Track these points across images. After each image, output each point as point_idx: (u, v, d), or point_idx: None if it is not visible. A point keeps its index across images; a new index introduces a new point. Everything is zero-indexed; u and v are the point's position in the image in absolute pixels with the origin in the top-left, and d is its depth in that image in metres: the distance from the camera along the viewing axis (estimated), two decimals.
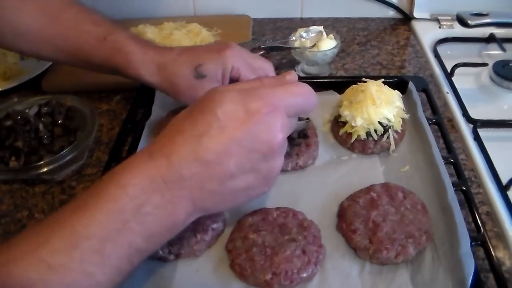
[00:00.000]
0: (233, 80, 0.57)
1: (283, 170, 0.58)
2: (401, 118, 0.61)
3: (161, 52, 0.57)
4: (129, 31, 0.61)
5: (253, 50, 0.82)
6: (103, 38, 0.57)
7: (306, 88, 0.43)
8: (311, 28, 0.77)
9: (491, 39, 0.86)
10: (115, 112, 0.73)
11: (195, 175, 0.38)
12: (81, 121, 0.66)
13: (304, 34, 0.76)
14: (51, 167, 0.60)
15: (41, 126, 0.64)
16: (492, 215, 0.54)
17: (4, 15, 0.56)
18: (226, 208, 0.48)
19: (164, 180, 0.37)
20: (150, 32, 0.85)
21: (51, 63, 0.80)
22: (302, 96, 0.42)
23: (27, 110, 0.67)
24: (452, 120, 0.68)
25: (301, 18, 0.99)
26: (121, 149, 0.63)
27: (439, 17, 0.92)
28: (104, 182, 0.38)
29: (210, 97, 0.40)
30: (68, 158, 0.61)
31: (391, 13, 0.97)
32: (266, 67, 0.59)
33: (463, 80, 0.77)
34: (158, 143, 0.39)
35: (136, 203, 0.36)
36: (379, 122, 0.58)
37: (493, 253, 0.46)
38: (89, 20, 0.58)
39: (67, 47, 0.58)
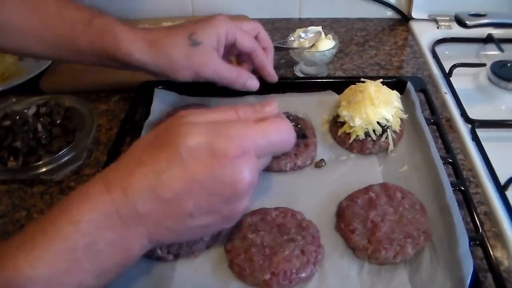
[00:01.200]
0: (227, 46, 0.57)
1: (282, 171, 0.58)
2: (400, 118, 0.61)
3: (150, 30, 0.56)
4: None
5: None
6: (89, 22, 0.54)
7: (283, 127, 0.41)
8: (310, 28, 0.77)
9: (489, 39, 0.86)
10: (113, 113, 0.73)
11: (151, 211, 0.36)
12: (80, 121, 0.66)
13: (302, 35, 0.76)
14: (49, 167, 0.60)
15: (39, 126, 0.64)
16: (490, 215, 0.54)
17: None
18: (183, 241, 0.47)
19: (119, 215, 0.35)
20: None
21: (49, 63, 0.80)
22: (278, 137, 0.40)
23: (25, 110, 0.66)
24: (450, 120, 0.68)
25: (299, 19, 0.99)
26: (119, 150, 0.62)
27: (437, 18, 0.92)
28: (53, 215, 0.35)
29: (177, 129, 0.37)
30: (66, 158, 0.61)
31: (389, 13, 0.97)
32: (255, 26, 0.61)
33: (461, 80, 0.77)
34: (115, 172, 0.37)
35: (89, 240, 0.34)
36: (378, 122, 0.59)
37: (491, 252, 0.47)
38: (72, 6, 0.56)
39: (52, 36, 0.55)
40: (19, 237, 0.35)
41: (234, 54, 0.65)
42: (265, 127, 0.39)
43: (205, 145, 0.36)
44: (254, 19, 0.62)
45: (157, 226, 0.37)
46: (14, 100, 0.70)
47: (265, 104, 0.42)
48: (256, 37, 0.61)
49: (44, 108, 0.67)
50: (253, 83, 0.61)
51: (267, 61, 0.62)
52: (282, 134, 0.41)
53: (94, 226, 0.35)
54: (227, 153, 0.36)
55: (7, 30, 0.55)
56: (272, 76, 0.64)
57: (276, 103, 0.43)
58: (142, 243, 0.37)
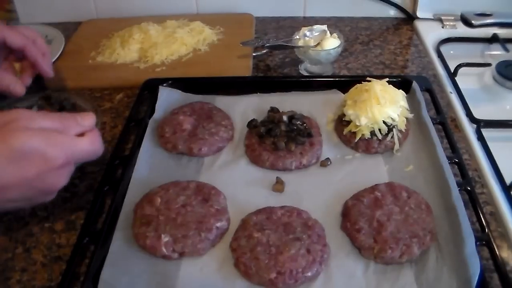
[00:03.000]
0: None
1: (287, 169, 0.58)
2: (405, 118, 0.61)
3: None
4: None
5: (257, 48, 0.82)
6: None
7: (96, 141, 0.49)
8: (315, 27, 0.76)
9: (494, 39, 0.86)
10: (117, 110, 0.73)
11: None
12: None
13: (307, 33, 0.76)
14: None
15: None
16: (496, 215, 0.54)
17: None
18: None
19: None
20: (153, 30, 0.85)
21: (53, 60, 0.80)
22: (92, 149, 0.48)
23: (29, 107, 0.66)
24: (455, 120, 0.68)
25: (304, 17, 0.99)
26: (124, 147, 0.62)
27: (442, 17, 0.92)
28: None
29: (14, 132, 0.42)
30: None
31: (394, 12, 0.97)
32: (32, 32, 0.63)
33: (466, 80, 0.77)
34: None
35: None
36: (384, 122, 0.58)
37: (497, 253, 0.46)
38: None
39: None
40: None
41: (13, 58, 0.65)
42: (86, 142, 0.47)
43: (38, 151, 0.43)
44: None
45: None
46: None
47: (85, 118, 0.49)
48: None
49: (48, 105, 0.67)
50: (16, 88, 0.63)
51: (39, 57, 0.64)
52: (95, 149, 0.49)
53: None
54: (56, 162, 0.44)
55: None
56: (46, 72, 0.66)
57: (93, 117, 0.50)
58: None
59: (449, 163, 0.55)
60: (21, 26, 0.65)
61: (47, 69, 0.66)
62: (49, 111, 0.63)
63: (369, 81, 0.62)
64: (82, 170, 0.62)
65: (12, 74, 0.65)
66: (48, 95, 0.69)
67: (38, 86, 0.76)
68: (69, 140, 0.46)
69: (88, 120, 0.49)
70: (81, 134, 0.48)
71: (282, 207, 0.52)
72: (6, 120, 0.43)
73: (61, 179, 0.46)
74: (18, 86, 0.63)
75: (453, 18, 0.91)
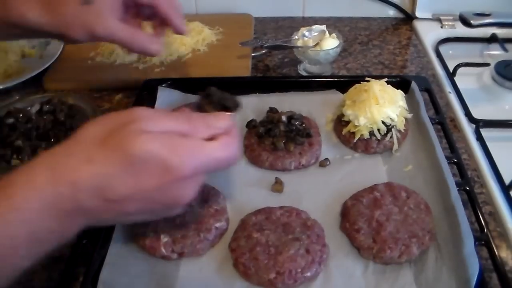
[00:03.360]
0: (128, 6, 0.54)
1: (286, 169, 0.58)
2: (404, 118, 0.61)
3: None
4: None
5: (256, 48, 0.82)
6: None
7: (231, 147, 0.41)
8: (314, 27, 0.76)
9: (493, 39, 0.86)
10: (116, 111, 0.72)
11: (95, 208, 0.37)
12: (83, 119, 0.66)
13: (306, 33, 0.76)
14: None
15: (43, 124, 0.64)
16: (495, 215, 0.54)
17: None
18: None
19: (63, 208, 0.35)
20: (151, 30, 0.84)
21: (53, 60, 0.80)
22: (226, 158, 0.40)
23: (28, 108, 0.67)
24: (454, 120, 0.68)
25: (303, 17, 0.99)
26: None
27: (441, 17, 0.92)
28: None
29: (132, 136, 0.36)
30: None
31: (392, 12, 0.97)
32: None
33: (465, 80, 0.77)
34: (63, 164, 0.36)
35: (30, 229, 0.34)
36: (382, 122, 0.58)
37: (496, 252, 0.46)
38: None
39: None
40: None
41: (142, 16, 0.59)
42: (217, 149, 0.39)
43: (159, 160, 0.36)
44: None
45: (96, 218, 0.38)
46: (17, 97, 0.70)
47: (220, 118, 0.42)
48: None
49: (48, 106, 0.67)
50: (153, 47, 0.55)
51: (172, 12, 0.56)
52: (229, 157, 0.41)
53: (38, 215, 0.34)
54: (179, 173, 0.37)
55: None
56: (180, 29, 0.58)
57: (229, 118, 0.43)
58: (79, 229, 0.38)
59: (448, 163, 0.55)
60: None
61: (181, 26, 0.57)
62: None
63: (368, 81, 0.62)
64: None
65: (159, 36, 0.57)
66: (47, 95, 0.69)
67: (37, 87, 0.76)
68: (196, 146, 0.39)
69: (222, 120, 0.42)
70: (212, 138, 0.40)
71: (281, 207, 0.52)
72: (124, 121, 0.38)
73: (187, 192, 0.39)
74: (154, 44, 0.55)
75: (452, 18, 0.91)
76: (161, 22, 0.57)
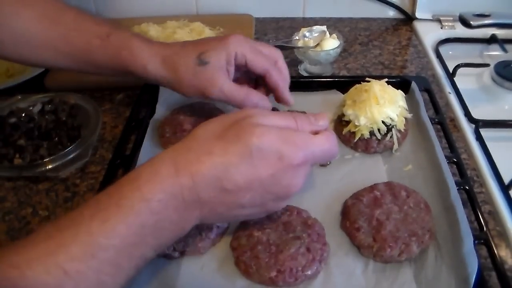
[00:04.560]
0: (240, 67, 0.55)
1: None
2: (404, 118, 0.61)
3: (165, 45, 0.57)
4: (130, 30, 0.60)
5: None
6: (106, 37, 0.56)
7: (333, 141, 0.44)
8: (314, 27, 0.77)
9: (492, 40, 0.86)
10: (118, 110, 0.73)
11: (211, 199, 0.39)
12: (85, 118, 0.66)
13: (307, 34, 0.76)
14: (55, 164, 0.60)
15: (44, 123, 0.64)
16: (494, 214, 0.54)
17: (3, 21, 0.55)
18: (222, 223, 0.51)
19: (184, 198, 0.38)
20: (153, 31, 0.85)
21: None
22: (330, 150, 0.44)
23: (30, 108, 0.67)
24: (454, 120, 0.68)
25: (303, 18, 0.99)
26: (125, 147, 0.63)
27: (441, 18, 0.92)
28: (126, 189, 0.37)
29: (250, 128, 0.40)
30: (72, 155, 0.61)
31: (393, 13, 0.98)
32: (274, 53, 0.57)
33: (465, 80, 0.77)
34: (185, 156, 0.39)
35: (157, 218, 0.37)
36: (383, 122, 0.59)
37: (496, 251, 0.47)
38: (90, 21, 0.57)
39: (69, 49, 0.57)
40: (92, 205, 0.37)
41: (252, 76, 0.60)
42: (322, 140, 0.43)
43: (274, 149, 0.39)
44: (273, 46, 0.59)
45: (210, 211, 0.40)
46: (19, 97, 0.70)
47: (319, 118, 0.46)
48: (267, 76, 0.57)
49: (49, 106, 0.67)
50: (265, 105, 0.57)
51: (281, 83, 0.57)
52: (332, 148, 0.44)
53: (162, 206, 0.37)
54: (292, 161, 0.40)
55: (25, 43, 0.56)
56: (286, 99, 0.59)
57: (327, 118, 0.46)
58: (194, 223, 0.41)
59: (447, 162, 0.55)
60: (262, 43, 0.58)
61: (288, 97, 0.58)
62: (49, 112, 0.61)
63: (369, 81, 0.62)
64: (83, 170, 0.62)
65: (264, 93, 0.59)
66: (49, 95, 0.69)
67: (38, 86, 0.77)
68: (305, 138, 0.42)
69: (321, 119, 0.46)
70: (315, 133, 0.44)
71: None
72: (238, 117, 0.41)
73: (298, 180, 0.42)
74: (266, 102, 0.57)
75: (451, 18, 0.91)
76: (268, 89, 0.59)
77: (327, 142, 0.43)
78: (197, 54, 0.54)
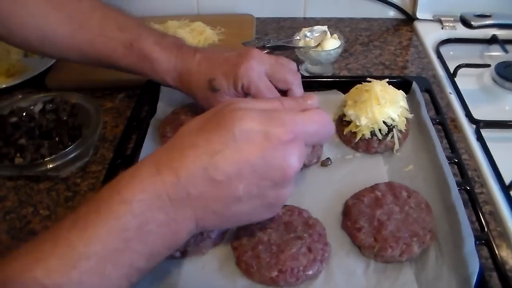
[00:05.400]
0: (247, 94, 0.55)
1: None
2: (405, 118, 0.61)
3: (183, 58, 0.57)
4: (155, 31, 0.60)
5: (258, 48, 0.82)
6: (130, 45, 0.57)
7: (325, 117, 0.41)
8: (315, 27, 0.77)
9: (493, 40, 0.86)
10: (119, 110, 0.73)
11: (202, 194, 0.36)
12: (86, 118, 0.66)
13: (308, 34, 0.76)
14: (56, 164, 0.60)
15: (45, 123, 0.64)
16: (495, 214, 0.54)
17: (31, 21, 0.56)
18: (225, 228, 0.49)
19: (169, 197, 0.36)
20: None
21: (55, 60, 0.80)
22: (322, 126, 0.41)
23: (31, 107, 0.67)
24: (455, 121, 0.68)
25: (304, 18, 0.99)
26: (126, 147, 0.63)
27: (442, 18, 0.92)
28: (106, 195, 0.36)
29: (230, 113, 0.38)
30: (73, 155, 0.61)
31: (393, 13, 0.98)
32: (289, 79, 0.55)
33: (466, 80, 0.77)
34: (167, 155, 0.37)
35: (140, 220, 0.35)
36: (384, 122, 0.59)
37: (496, 252, 0.47)
38: (115, 26, 0.58)
39: (94, 53, 0.58)
40: (71, 217, 0.35)
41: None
42: (312, 116, 0.40)
43: (259, 129, 0.37)
44: (293, 71, 0.57)
45: (205, 209, 0.37)
46: (20, 96, 0.71)
47: (307, 98, 0.43)
48: (286, 91, 0.56)
49: (50, 105, 0.67)
50: None
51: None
52: (326, 125, 0.41)
53: (145, 207, 0.35)
54: (280, 137, 0.37)
55: (52, 43, 0.58)
56: None
57: (316, 98, 0.43)
58: (189, 227, 0.38)
59: (448, 163, 0.55)
60: (282, 65, 0.56)
61: None
62: (50, 112, 0.63)
63: (370, 81, 0.62)
64: (84, 169, 0.62)
65: None
66: (50, 94, 0.69)
67: (39, 86, 0.77)
68: (292, 114, 0.39)
69: (309, 99, 0.43)
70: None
71: (283, 206, 0.52)
72: (220, 107, 0.39)
73: (291, 159, 0.37)
74: None
75: (452, 19, 0.91)
76: None
77: (318, 117, 0.40)
78: (208, 79, 0.55)
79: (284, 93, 0.56)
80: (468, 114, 0.68)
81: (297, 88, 0.56)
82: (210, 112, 0.40)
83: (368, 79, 0.63)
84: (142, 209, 0.35)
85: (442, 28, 0.91)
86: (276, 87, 0.55)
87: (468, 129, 0.66)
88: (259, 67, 0.54)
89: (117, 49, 0.58)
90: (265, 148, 0.36)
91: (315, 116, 0.40)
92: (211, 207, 0.37)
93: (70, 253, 0.33)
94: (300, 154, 0.38)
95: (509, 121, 0.67)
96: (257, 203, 0.39)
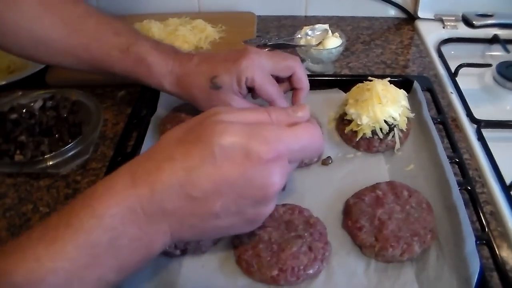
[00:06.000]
0: (250, 88, 0.55)
1: None
2: (406, 117, 0.61)
3: (180, 62, 0.56)
4: (151, 38, 0.59)
5: (259, 47, 0.82)
6: (126, 49, 0.56)
7: (314, 133, 0.39)
8: (317, 26, 0.77)
9: (494, 40, 0.86)
10: (119, 107, 0.73)
11: (177, 209, 0.35)
12: (86, 115, 0.66)
13: (309, 32, 0.76)
14: (56, 161, 0.60)
15: (46, 120, 0.64)
16: (495, 214, 0.54)
17: (26, 25, 0.55)
18: (203, 239, 0.48)
19: (144, 211, 0.34)
20: (155, 28, 0.85)
21: None
22: (309, 142, 0.38)
23: (31, 104, 0.67)
24: (456, 120, 0.68)
25: (305, 16, 0.99)
26: (126, 145, 0.63)
27: (443, 18, 0.92)
28: (78, 207, 0.34)
29: (211, 126, 0.36)
30: (73, 152, 0.61)
31: (395, 12, 0.97)
32: (292, 64, 0.55)
33: (467, 80, 0.77)
34: (143, 166, 0.36)
35: (111, 235, 0.34)
36: (385, 121, 0.59)
37: (497, 252, 0.47)
38: (111, 30, 0.57)
39: (89, 58, 0.57)
40: (41, 227, 0.34)
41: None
42: (299, 132, 0.38)
43: (239, 146, 0.35)
44: (292, 56, 0.57)
45: (181, 224, 0.36)
46: (20, 93, 0.70)
47: (298, 109, 0.40)
48: (290, 76, 0.56)
49: (51, 102, 0.67)
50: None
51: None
52: (314, 141, 0.39)
53: (117, 221, 0.34)
54: (262, 156, 0.35)
55: (46, 48, 0.57)
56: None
57: (308, 109, 0.41)
58: (164, 240, 0.37)
59: (449, 162, 0.55)
60: (280, 54, 0.56)
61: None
62: (50, 109, 0.62)
63: (371, 80, 0.62)
64: (84, 167, 0.62)
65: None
66: (50, 91, 0.69)
67: (39, 82, 0.77)
68: (276, 130, 0.37)
69: (300, 110, 0.40)
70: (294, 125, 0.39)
71: (284, 205, 0.52)
72: (202, 117, 0.37)
73: (273, 179, 0.36)
74: None
75: (454, 18, 0.91)
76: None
77: (305, 133, 0.38)
78: (210, 77, 0.54)
79: (289, 80, 0.57)
80: (469, 114, 0.68)
81: (300, 72, 0.56)
82: (192, 121, 0.38)
83: (370, 78, 0.63)
84: (114, 224, 0.34)
85: (444, 28, 0.91)
86: (280, 78, 0.56)
87: (469, 129, 0.66)
88: (259, 60, 0.54)
89: (113, 53, 0.56)
90: (245, 167, 0.35)
91: (303, 132, 0.38)
92: (187, 221, 0.36)
93: (37, 268, 0.32)
94: (283, 173, 0.37)
95: (510, 121, 0.67)
96: (235, 219, 0.38)
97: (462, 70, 0.77)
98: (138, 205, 0.34)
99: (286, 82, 0.58)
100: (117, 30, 0.57)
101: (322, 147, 0.41)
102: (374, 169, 0.58)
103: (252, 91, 0.56)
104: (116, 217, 0.34)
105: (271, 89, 0.54)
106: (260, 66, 0.54)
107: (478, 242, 0.47)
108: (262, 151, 0.35)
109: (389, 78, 0.63)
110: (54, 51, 0.57)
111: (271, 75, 0.55)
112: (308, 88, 0.58)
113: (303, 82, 0.57)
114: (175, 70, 0.56)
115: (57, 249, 0.33)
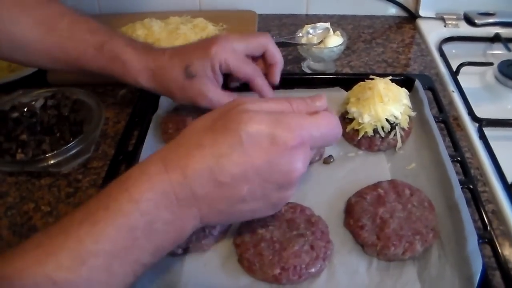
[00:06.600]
0: (226, 74, 0.56)
1: None
2: (408, 116, 0.61)
3: (154, 57, 0.57)
4: (125, 36, 0.60)
5: None
6: (100, 47, 0.56)
7: (333, 121, 0.41)
8: (318, 24, 0.76)
9: (496, 38, 0.86)
10: (120, 106, 0.73)
11: (207, 194, 0.37)
12: (87, 114, 0.66)
13: (311, 31, 0.76)
14: (57, 160, 0.60)
15: (47, 119, 0.64)
16: (497, 213, 0.54)
17: (1, 27, 0.55)
18: (229, 223, 0.50)
19: (176, 196, 0.36)
20: (156, 26, 0.85)
21: None
22: (330, 130, 0.41)
23: (33, 103, 0.67)
24: (457, 119, 0.68)
25: (307, 15, 0.99)
26: (127, 143, 0.63)
27: (445, 16, 0.92)
28: (115, 192, 0.36)
29: (237, 115, 0.38)
30: (74, 151, 0.61)
31: (396, 11, 0.97)
32: (263, 41, 0.58)
33: (468, 79, 0.77)
34: (174, 153, 0.38)
35: (148, 219, 0.35)
36: (386, 120, 0.59)
37: (500, 250, 0.47)
38: (85, 29, 0.57)
39: (65, 57, 0.58)
40: (81, 211, 0.36)
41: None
42: (319, 120, 0.40)
43: (266, 133, 0.37)
44: (263, 33, 0.60)
45: (210, 208, 0.38)
46: (21, 92, 0.70)
47: (316, 99, 0.43)
48: (263, 54, 0.59)
49: (52, 101, 0.67)
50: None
51: (265, 88, 0.59)
52: (333, 128, 0.41)
53: (152, 205, 0.36)
54: (287, 142, 0.37)
55: (22, 49, 0.57)
56: (268, 94, 0.60)
57: (325, 99, 0.43)
58: (194, 224, 0.39)
59: (451, 161, 0.55)
60: (249, 34, 0.60)
61: (268, 92, 0.59)
62: (52, 107, 0.62)
63: (373, 79, 0.62)
64: (86, 166, 0.62)
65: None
66: (51, 90, 0.68)
67: (40, 81, 0.76)
68: (299, 118, 0.39)
69: (318, 100, 0.42)
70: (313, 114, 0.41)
71: (285, 204, 0.52)
72: (228, 108, 0.39)
73: (297, 164, 0.38)
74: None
75: (455, 17, 0.91)
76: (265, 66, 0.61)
77: (325, 121, 0.40)
78: (183, 67, 0.55)
79: (262, 57, 0.59)
80: (471, 113, 0.67)
81: (273, 47, 0.58)
82: (217, 112, 0.40)
83: (371, 76, 0.63)
84: (149, 208, 0.35)
85: (445, 26, 0.91)
86: (254, 56, 0.58)
87: (471, 128, 0.65)
88: (230, 43, 0.56)
89: (88, 51, 0.57)
90: (271, 152, 0.37)
91: (323, 119, 0.40)
92: (216, 206, 0.38)
93: (80, 249, 0.33)
94: (306, 158, 0.39)
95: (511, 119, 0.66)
96: (260, 203, 0.40)
97: (464, 69, 0.77)
98: (171, 190, 0.36)
99: (260, 59, 0.60)
100: (92, 28, 0.58)
101: (340, 134, 0.43)
102: (376, 168, 0.58)
103: (230, 77, 0.57)
104: (151, 201, 0.35)
105: (247, 68, 0.56)
106: (232, 49, 0.55)
107: (480, 241, 0.47)
108: (287, 138, 0.37)
109: (390, 77, 0.63)
110: (30, 52, 0.58)
111: (246, 56, 0.57)
112: (282, 62, 0.60)
113: (277, 56, 0.59)
114: (149, 66, 0.56)
115: (98, 231, 0.34)
